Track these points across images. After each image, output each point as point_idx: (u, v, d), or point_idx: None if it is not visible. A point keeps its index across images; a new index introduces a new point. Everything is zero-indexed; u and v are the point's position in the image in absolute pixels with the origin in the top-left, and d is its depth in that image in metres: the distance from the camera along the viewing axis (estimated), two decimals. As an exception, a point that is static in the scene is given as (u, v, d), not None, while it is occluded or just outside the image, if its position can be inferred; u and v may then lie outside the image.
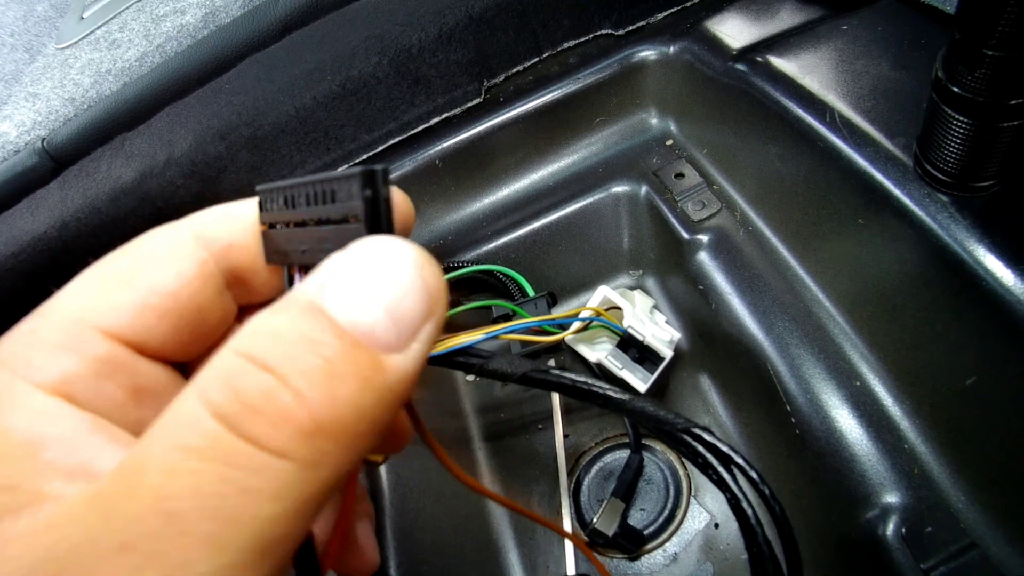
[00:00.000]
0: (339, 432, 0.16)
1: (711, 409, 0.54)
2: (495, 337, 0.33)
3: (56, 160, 0.63)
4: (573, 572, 0.50)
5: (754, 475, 0.28)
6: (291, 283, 0.24)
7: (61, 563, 0.14)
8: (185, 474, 0.15)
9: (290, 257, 0.22)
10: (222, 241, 0.22)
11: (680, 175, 0.58)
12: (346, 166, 0.62)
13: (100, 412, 0.20)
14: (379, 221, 0.20)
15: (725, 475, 0.28)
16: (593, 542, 0.51)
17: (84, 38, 0.67)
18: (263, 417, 0.15)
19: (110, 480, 0.15)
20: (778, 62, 0.51)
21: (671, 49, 0.59)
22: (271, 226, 0.23)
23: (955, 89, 0.35)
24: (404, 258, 0.18)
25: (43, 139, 0.63)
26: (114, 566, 0.14)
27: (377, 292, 0.17)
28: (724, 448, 0.29)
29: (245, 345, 0.16)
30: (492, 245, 0.60)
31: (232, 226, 0.23)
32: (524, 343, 0.52)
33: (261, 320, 0.17)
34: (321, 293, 0.17)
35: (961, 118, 0.36)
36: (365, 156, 0.62)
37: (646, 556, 0.50)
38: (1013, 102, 0.34)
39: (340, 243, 0.19)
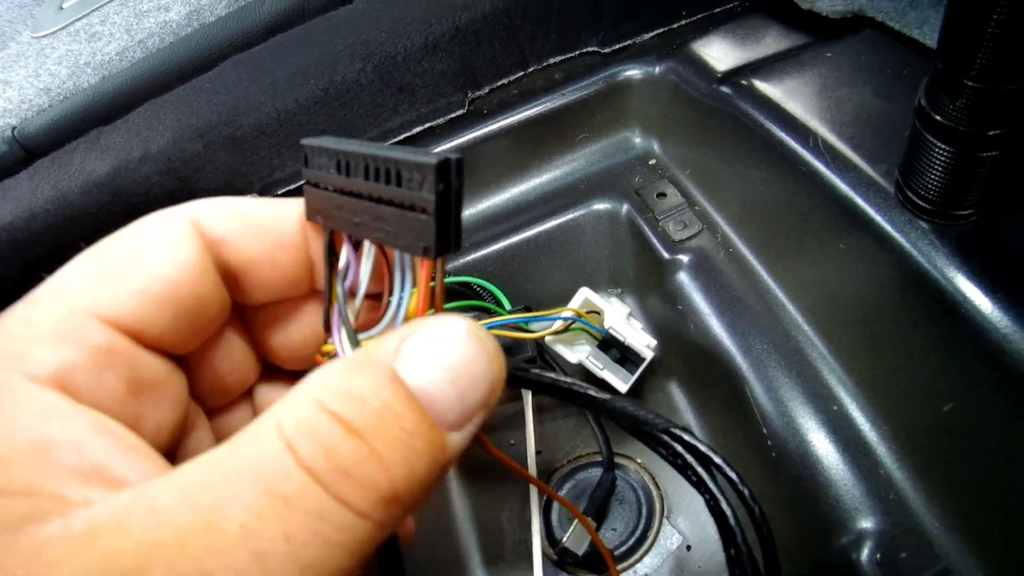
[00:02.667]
0: (409, 500, 0.17)
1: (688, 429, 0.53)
2: None
3: (27, 150, 0.61)
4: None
5: (733, 475, 0.28)
6: (331, 250, 0.23)
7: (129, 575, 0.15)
8: (274, 519, 0.15)
9: (337, 222, 0.21)
10: (217, 234, 0.22)
11: (662, 195, 0.58)
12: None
13: (99, 406, 0.19)
14: (448, 219, 0.19)
15: (704, 475, 0.28)
16: (563, 561, 0.50)
17: (63, 29, 0.66)
18: (353, 481, 0.16)
19: (177, 501, 0.16)
20: (763, 86, 0.51)
21: (656, 69, 0.60)
22: (315, 185, 0.22)
23: (937, 117, 0.35)
24: (482, 347, 0.19)
25: (14, 128, 0.61)
26: None
27: (454, 375, 0.18)
28: (704, 448, 0.28)
29: (330, 401, 0.17)
30: (470, 257, 0.59)
31: (230, 221, 0.22)
32: (502, 346, 0.51)
33: (343, 377, 0.18)
34: (400, 362, 0.18)
35: (942, 146, 0.36)
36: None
37: (616, 577, 0.49)
38: (992, 133, 0.34)
39: (403, 230, 0.19)
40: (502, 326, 0.40)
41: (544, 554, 0.51)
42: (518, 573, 0.51)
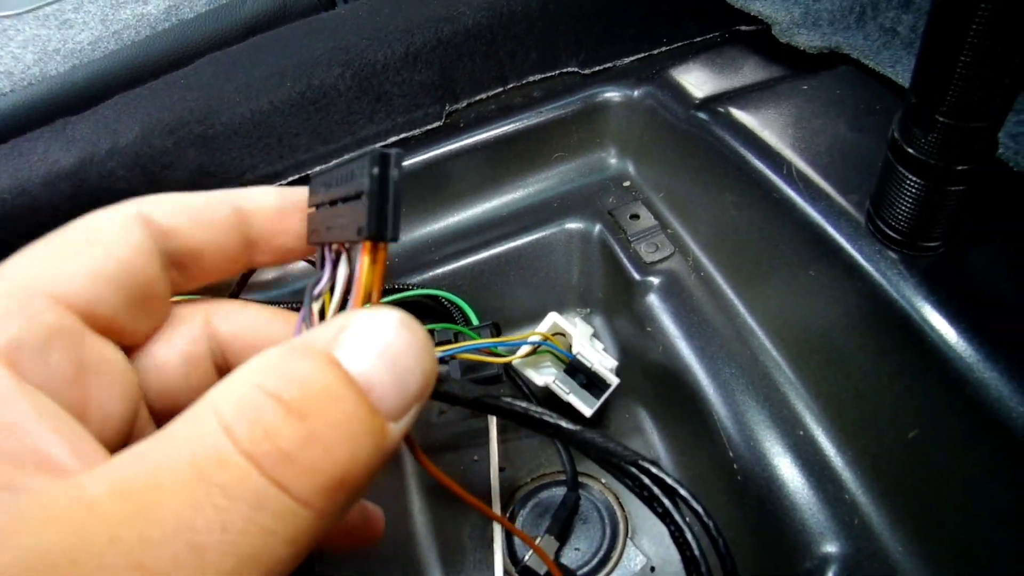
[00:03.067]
0: (352, 488, 0.17)
1: (653, 451, 0.53)
2: (447, 357, 0.32)
3: (-17, 136, 0.59)
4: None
5: (699, 508, 0.29)
6: (323, 263, 0.23)
7: (59, 570, 0.14)
8: (211, 509, 0.15)
9: (320, 235, 0.23)
10: (163, 225, 0.23)
11: (635, 216, 0.58)
12: (318, 168, 0.60)
13: (45, 386, 0.19)
14: (384, 204, 0.20)
15: (670, 507, 0.29)
16: (522, 581, 0.49)
17: (31, 12, 0.64)
18: (294, 465, 0.16)
19: (108, 491, 0.15)
20: (739, 114, 0.52)
21: (635, 92, 0.60)
22: (317, 208, 0.23)
23: (909, 150, 0.36)
24: (415, 337, 0.19)
25: (-30, 112, 0.59)
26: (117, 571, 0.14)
27: (390, 362, 0.18)
28: (670, 481, 0.29)
29: (270, 384, 0.17)
30: (439, 271, 0.59)
31: (173, 213, 0.23)
32: (468, 366, 0.51)
33: (283, 361, 0.17)
34: (338, 349, 0.18)
35: (914, 178, 0.37)
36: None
37: (576, 599, 0.48)
38: (960, 168, 0.35)
39: (349, 221, 0.21)
40: (473, 350, 0.40)
41: (506, 571, 0.50)
42: (477, 590, 0.50)
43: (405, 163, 0.59)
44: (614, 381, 0.50)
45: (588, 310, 0.61)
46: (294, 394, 0.16)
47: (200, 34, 0.59)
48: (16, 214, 0.54)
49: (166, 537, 0.15)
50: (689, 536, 0.28)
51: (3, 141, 0.58)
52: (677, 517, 0.29)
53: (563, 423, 0.29)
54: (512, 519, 0.53)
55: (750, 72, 0.57)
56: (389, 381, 0.18)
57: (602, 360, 0.51)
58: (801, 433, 0.44)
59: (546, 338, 0.48)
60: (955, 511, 0.37)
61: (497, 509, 0.53)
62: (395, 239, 0.21)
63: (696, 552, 0.28)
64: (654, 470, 0.29)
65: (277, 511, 0.15)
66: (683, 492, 0.29)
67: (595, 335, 0.56)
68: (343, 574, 0.47)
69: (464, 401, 0.29)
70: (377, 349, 0.18)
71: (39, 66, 0.58)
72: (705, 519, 0.29)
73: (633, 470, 0.29)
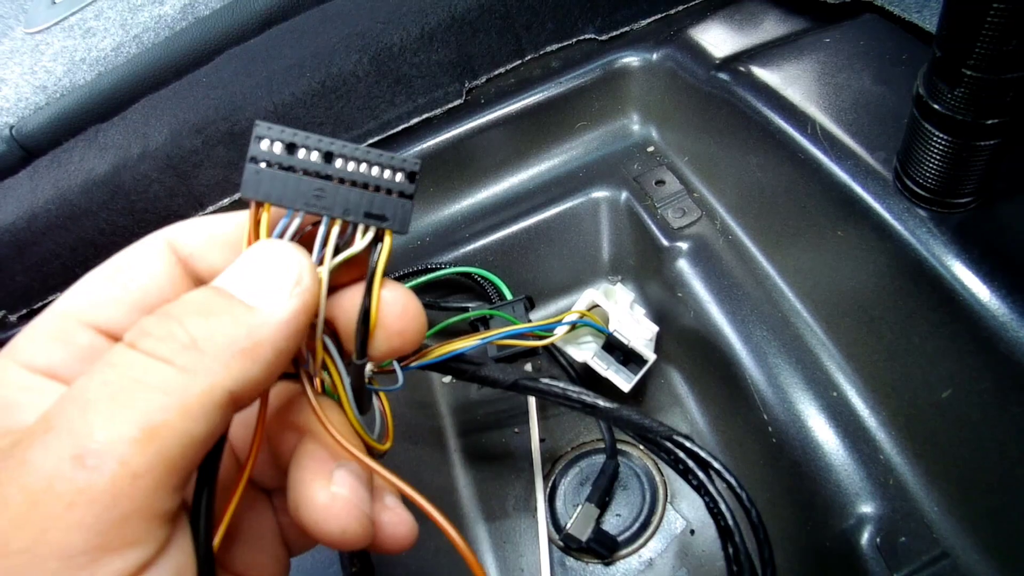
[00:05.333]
0: (212, 350, 0.21)
1: (689, 416, 0.54)
2: (489, 343, 0.33)
3: (25, 149, 0.61)
4: (548, 577, 0.50)
5: (732, 480, 0.30)
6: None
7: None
8: (99, 377, 0.20)
9: (286, 200, 0.24)
10: (187, 250, 0.26)
11: (661, 182, 0.58)
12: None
13: None
14: (410, 207, 0.24)
15: (704, 480, 0.30)
16: (568, 546, 0.51)
17: (56, 24, 0.65)
18: (153, 337, 0.20)
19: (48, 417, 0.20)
20: (761, 72, 0.51)
21: (654, 56, 0.60)
22: (268, 164, 0.24)
23: (935, 106, 0.35)
24: (275, 244, 0.24)
25: (11, 127, 0.61)
26: (36, 435, 0.19)
27: (250, 265, 0.23)
28: (704, 454, 0.30)
29: (162, 308, 0.22)
30: (471, 247, 0.60)
31: (197, 237, 0.26)
32: (503, 346, 0.51)
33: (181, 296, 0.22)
34: (219, 279, 0.23)
35: (941, 135, 0.36)
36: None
37: (621, 561, 0.50)
38: (990, 121, 0.34)
39: (374, 207, 0.24)
40: (511, 336, 0.41)
41: (550, 539, 0.52)
42: (526, 558, 0.52)
43: (428, 143, 0.60)
44: (651, 357, 0.50)
45: (619, 278, 0.62)
46: (172, 305, 0.22)
47: (217, 30, 0.60)
48: (59, 223, 0.56)
49: (67, 400, 0.19)
50: (723, 507, 0.30)
51: (44, 153, 0.60)
52: (711, 489, 0.30)
53: (600, 402, 0.30)
54: (553, 488, 0.54)
55: (771, 27, 0.55)
56: (251, 276, 0.23)
57: (640, 331, 0.51)
58: (834, 394, 0.44)
59: (584, 316, 0.48)
60: (989, 470, 0.37)
61: (539, 477, 0.54)
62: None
63: (730, 522, 0.30)
64: (688, 444, 0.30)
65: (144, 368, 0.20)
66: (716, 465, 0.30)
67: (635, 301, 0.56)
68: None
69: (504, 384, 0.30)
70: (241, 261, 0.23)
71: (68, 77, 0.60)
72: (738, 490, 0.30)
73: (668, 444, 0.30)
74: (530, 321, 0.53)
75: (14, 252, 0.57)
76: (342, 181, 0.24)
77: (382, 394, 0.29)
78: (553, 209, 0.60)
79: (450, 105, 0.61)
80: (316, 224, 0.24)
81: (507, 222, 0.60)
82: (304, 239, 0.25)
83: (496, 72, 0.62)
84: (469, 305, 0.55)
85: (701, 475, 0.30)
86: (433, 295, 0.59)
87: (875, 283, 0.43)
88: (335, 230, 0.24)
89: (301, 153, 0.24)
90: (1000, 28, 0.30)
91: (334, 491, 0.24)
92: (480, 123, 0.60)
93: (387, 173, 0.24)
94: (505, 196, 0.63)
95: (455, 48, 0.59)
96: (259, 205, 0.24)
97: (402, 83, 0.59)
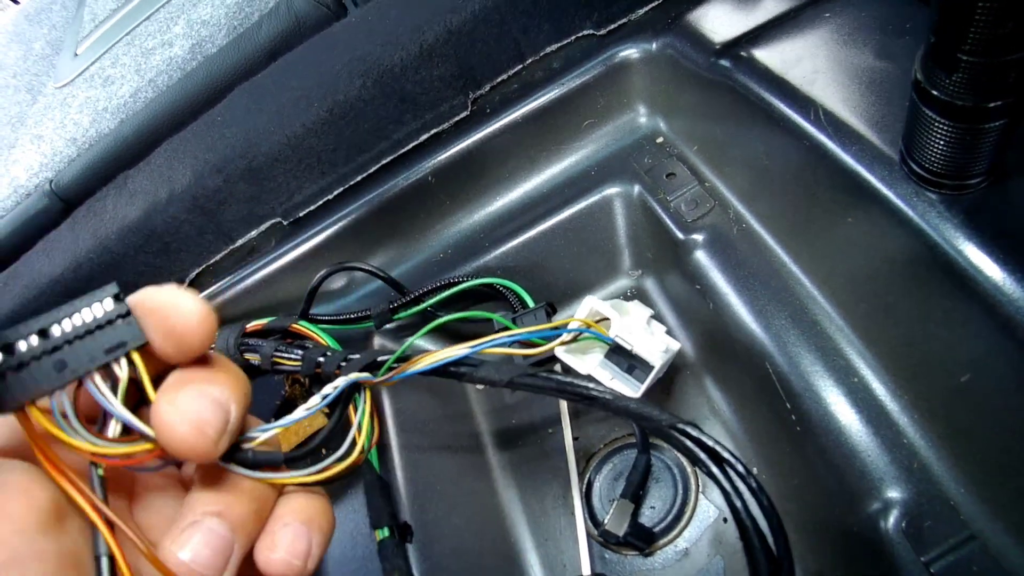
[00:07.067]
0: None
1: (715, 406, 0.55)
2: (480, 351, 0.34)
3: (64, 200, 0.65)
4: (588, 572, 0.52)
5: (741, 469, 0.29)
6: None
7: None
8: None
9: (38, 389, 0.24)
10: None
11: (671, 174, 0.58)
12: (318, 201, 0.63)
13: None
14: (134, 322, 0.24)
15: (715, 470, 0.29)
16: (606, 541, 0.53)
17: (79, 75, 0.68)
18: None
19: None
20: (761, 56, 0.50)
21: (654, 46, 0.59)
22: (18, 368, 0.24)
23: (934, 92, 0.34)
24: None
25: (51, 181, 0.64)
26: None
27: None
28: (710, 443, 0.29)
29: None
30: (491, 256, 0.61)
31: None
32: (522, 355, 0.52)
33: None
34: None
35: (942, 120, 0.35)
36: (359, 178, 0.62)
37: (659, 552, 0.51)
38: (993, 104, 0.33)
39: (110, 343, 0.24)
40: (501, 344, 0.39)
41: (588, 535, 0.54)
42: (567, 554, 0.54)
43: (440, 157, 0.61)
44: (657, 362, 0.48)
45: (639, 272, 0.62)
46: None
47: (226, 66, 0.62)
48: (101, 270, 0.60)
49: None
50: (734, 497, 0.29)
51: (80, 203, 0.63)
52: (721, 479, 0.29)
53: (595, 392, 0.30)
54: (589, 485, 0.56)
55: (770, 4, 0.54)
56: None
57: (651, 342, 0.48)
58: (855, 380, 0.44)
59: (587, 325, 0.48)
60: (1013, 452, 0.37)
61: (574, 476, 0.56)
62: None
63: (742, 514, 0.29)
64: (694, 432, 0.29)
65: None
66: (725, 454, 0.29)
67: (655, 316, 0.52)
68: (441, 547, 0.52)
69: (500, 383, 0.31)
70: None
71: (95, 127, 0.63)
72: (748, 479, 0.29)
73: (674, 433, 0.30)
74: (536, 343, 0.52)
75: (63, 302, 0.60)
76: (70, 343, 0.24)
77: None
78: (568, 210, 0.60)
79: (457, 118, 0.62)
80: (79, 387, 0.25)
81: (524, 227, 0.61)
82: (82, 405, 0.25)
83: (499, 79, 0.62)
84: (492, 316, 0.57)
85: (711, 465, 0.29)
86: (457, 307, 0.61)
87: (888, 268, 0.43)
88: (99, 382, 0.24)
89: (21, 346, 0.23)
90: (993, 12, 0.29)
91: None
92: (488, 132, 0.61)
93: (97, 310, 0.24)
94: (520, 202, 0.63)
95: (455, 61, 0.60)
96: (22, 410, 0.23)
97: (407, 101, 0.60)
